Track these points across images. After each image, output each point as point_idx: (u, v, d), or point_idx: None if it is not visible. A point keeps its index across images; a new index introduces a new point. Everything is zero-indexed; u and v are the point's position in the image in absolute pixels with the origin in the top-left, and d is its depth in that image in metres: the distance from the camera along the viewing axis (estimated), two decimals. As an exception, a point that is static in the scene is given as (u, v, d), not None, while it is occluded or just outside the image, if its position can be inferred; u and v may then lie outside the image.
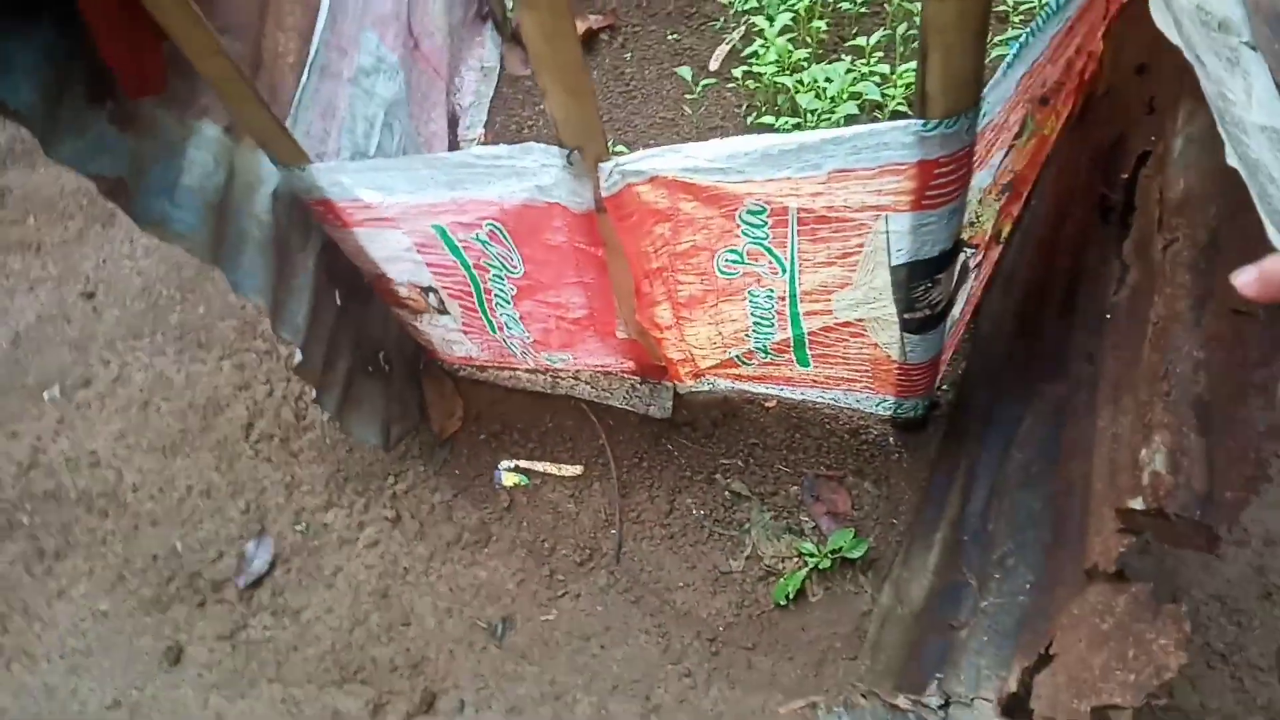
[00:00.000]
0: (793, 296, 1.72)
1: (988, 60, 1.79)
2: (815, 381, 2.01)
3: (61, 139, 1.32)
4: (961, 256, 1.65)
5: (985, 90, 1.25)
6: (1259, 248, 0.73)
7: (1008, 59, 1.35)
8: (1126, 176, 1.49)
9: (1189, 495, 1.09)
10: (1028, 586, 1.52)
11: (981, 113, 1.29)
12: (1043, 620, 1.39)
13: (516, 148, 1.47)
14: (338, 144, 1.91)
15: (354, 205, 1.67)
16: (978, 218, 1.68)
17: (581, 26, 2.84)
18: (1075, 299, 1.67)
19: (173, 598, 2.14)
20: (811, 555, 1.94)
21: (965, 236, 1.61)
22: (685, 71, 2.48)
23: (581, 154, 1.41)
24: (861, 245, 1.54)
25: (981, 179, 1.53)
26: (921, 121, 1.25)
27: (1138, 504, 1.15)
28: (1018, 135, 1.59)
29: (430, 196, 1.61)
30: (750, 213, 1.50)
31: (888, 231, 1.48)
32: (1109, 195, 1.64)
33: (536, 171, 1.50)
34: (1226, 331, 1.14)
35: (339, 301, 1.94)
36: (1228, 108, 0.78)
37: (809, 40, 2.47)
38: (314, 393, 1.90)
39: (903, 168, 1.33)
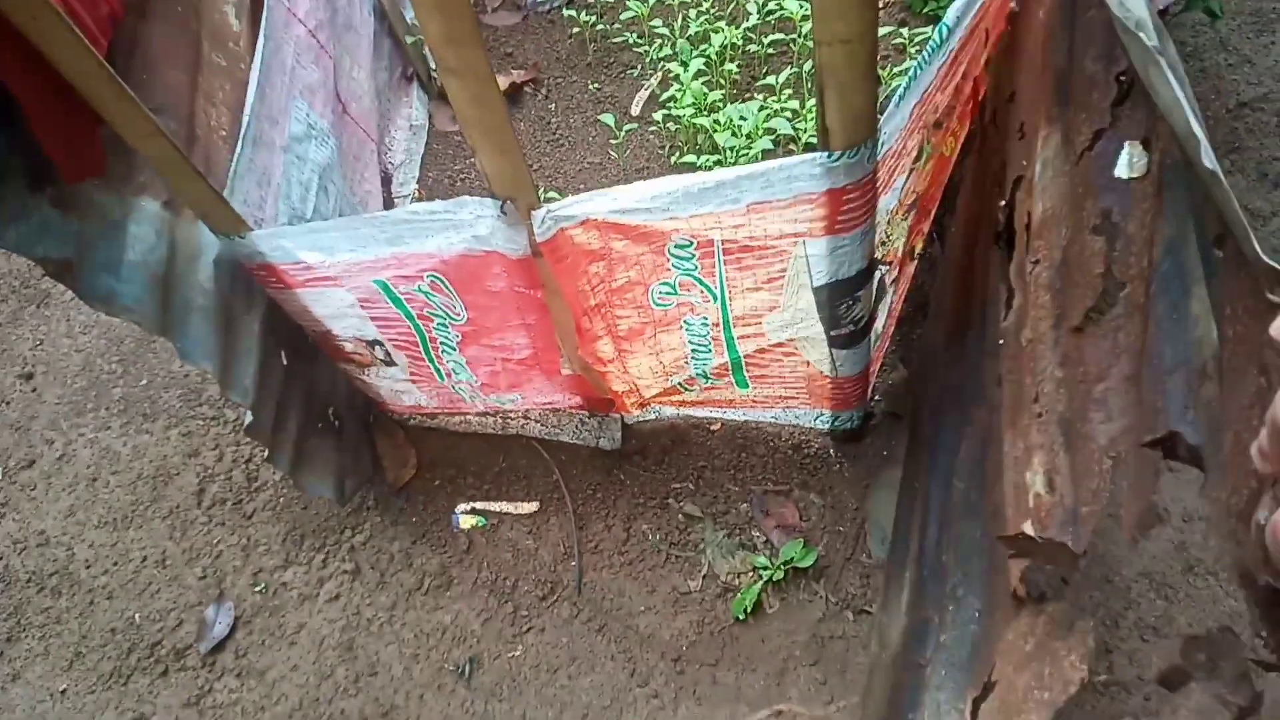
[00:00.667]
0: (726, 322, 1.81)
1: (885, 90, 1.92)
2: (755, 402, 2.10)
3: (6, 225, 1.35)
4: (877, 274, 1.76)
5: (881, 121, 1.37)
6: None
7: (899, 90, 1.48)
8: (1005, 202, 1.60)
9: (1064, 513, 1.13)
10: (976, 616, 1.52)
11: (880, 142, 1.40)
12: (987, 649, 1.41)
13: (452, 202, 1.55)
14: (275, 210, 1.96)
15: (296, 267, 1.73)
16: (888, 237, 1.79)
17: (505, 81, 2.94)
18: (985, 324, 1.75)
19: (133, 669, 2.12)
20: (765, 568, 2.02)
21: (879, 255, 1.72)
22: (608, 118, 2.59)
23: (514, 204, 1.49)
24: (784, 270, 1.65)
25: (887, 202, 1.64)
26: (826, 154, 1.36)
27: (1028, 528, 1.20)
28: (916, 159, 1.71)
29: (371, 253, 1.67)
30: (678, 246, 1.60)
31: (806, 256, 1.59)
32: (1000, 220, 1.76)
33: (473, 223, 1.57)
34: (1073, 349, 1.19)
35: (285, 361, 1.97)
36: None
37: (722, 82, 2.61)
38: (266, 453, 1.92)
39: (814, 197, 1.44)
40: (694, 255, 1.62)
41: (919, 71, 1.49)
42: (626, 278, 1.69)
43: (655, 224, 1.55)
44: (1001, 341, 1.54)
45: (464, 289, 1.74)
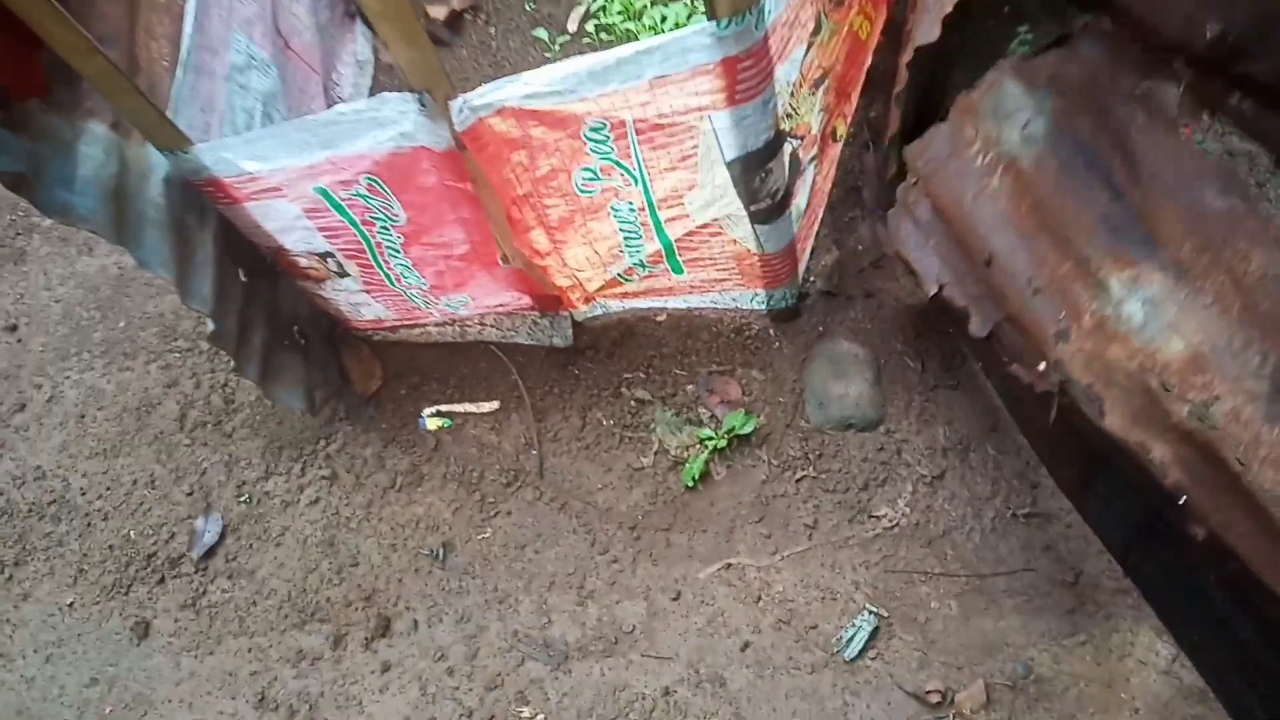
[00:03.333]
0: (650, 206, 1.92)
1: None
2: (693, 287, 2.22)
3: (-40, 142, 1.46)
4: (788, 147, 1.87)
5: (764, -10, 1.47)
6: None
7: (780, -38, 1.58)
8: (1046, 364, 1.57)
9: None
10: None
11: (766, 10, 1.50)
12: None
13: (374, 100, 1.65)
14: (220, 135, 2.06)
15: (240, 180, 1.84)
16: (795, 110, 1.90)
17: (445, 10, 3.02)
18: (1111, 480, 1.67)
19: (133, 580, 2.28)
20: (710, 439, 2.16)
21: (786, 128, 1.83)
22: (541, 32, 2.67)
23: (432, 95, 1.60)
24: (696, 147, 1.76)
25: (787, 72, 1.75)
26: (714, 23, 1.47)
27: None
28: (814, 32, 1.81)
29: (307, 158, 1.77)
30: (593, 129, 1.71)
31: (714, 130, 1.70)
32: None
33: (397, 119, 1.68)
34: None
35: (245, 278, 2.09)
36: None
37: (649, -12, 2.69)
38: (231, 361, 2.05)
39: (710, 68, 1.55)
40: (609, 138, 1.73)
41: (796, -58, 1.59)
42: (549, 165, 1.80)
43: (567, 107, 1.66)
44: (1184, 498, 1.37)
45: (398, 188, 1.85)
